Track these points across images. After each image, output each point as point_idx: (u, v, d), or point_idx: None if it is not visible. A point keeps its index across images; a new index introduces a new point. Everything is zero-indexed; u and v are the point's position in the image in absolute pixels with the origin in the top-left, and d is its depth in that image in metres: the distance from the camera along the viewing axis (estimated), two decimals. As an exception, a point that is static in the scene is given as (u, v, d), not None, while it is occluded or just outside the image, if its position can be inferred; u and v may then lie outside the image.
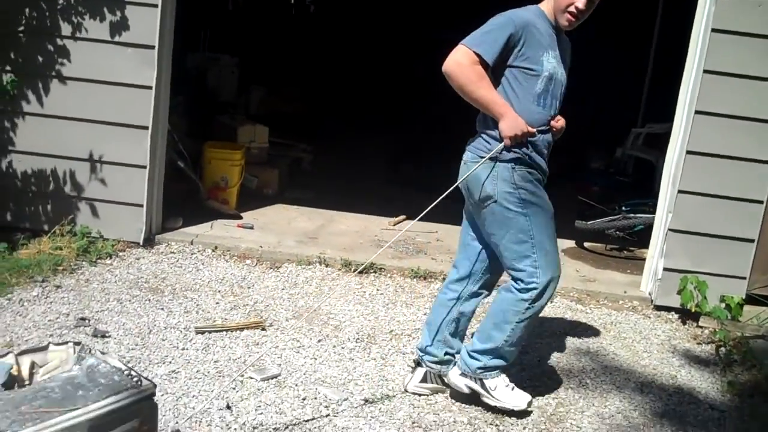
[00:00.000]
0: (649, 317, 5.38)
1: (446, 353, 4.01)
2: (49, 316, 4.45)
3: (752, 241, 5.37)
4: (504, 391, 3.88)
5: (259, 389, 3.87)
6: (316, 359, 4.26)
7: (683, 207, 5.37)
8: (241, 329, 4.49)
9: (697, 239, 5.39)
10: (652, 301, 5.51)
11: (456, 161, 3.89)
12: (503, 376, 3.91)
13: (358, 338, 4.58)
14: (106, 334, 4.29)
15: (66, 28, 5.37)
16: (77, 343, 3.32)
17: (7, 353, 3.23)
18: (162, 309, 4.69)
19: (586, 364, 4.56)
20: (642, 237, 6.36)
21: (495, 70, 3.60)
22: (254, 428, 3.53)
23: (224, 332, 4.44)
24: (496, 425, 3.80)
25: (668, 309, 5.43)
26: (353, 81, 11.57)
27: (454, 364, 3.99)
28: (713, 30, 5.19)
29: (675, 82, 5.69)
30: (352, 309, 4.99)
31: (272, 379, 3.99)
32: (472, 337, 3.99)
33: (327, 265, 5.59)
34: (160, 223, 5.77)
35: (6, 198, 5.60)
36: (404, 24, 12.04)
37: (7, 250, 5.22)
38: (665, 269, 5.42)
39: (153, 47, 5.35)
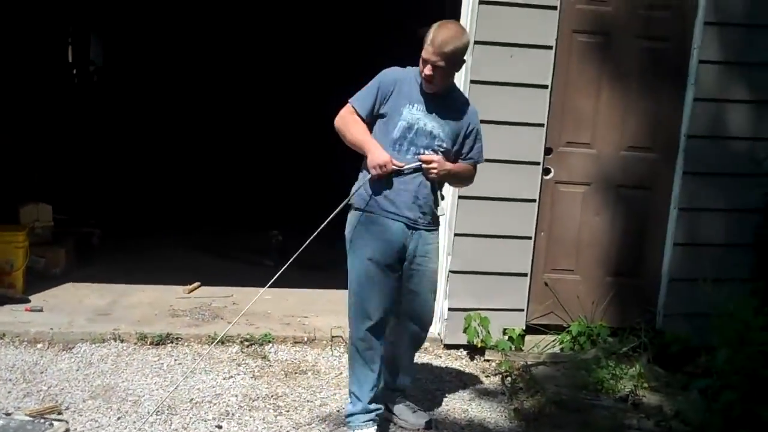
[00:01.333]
0: (440, 357, 5.66)
1: None
2: None
3: (526, 275, 5.78)
4: None
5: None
6: (116, 437, 4.23)
7: (461, 249, 5.72)
8: (35, 416, 4.39)
9: (477, 278, 5.74)
10: (441, 341, 5.80)
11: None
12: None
13: (158, 411, 4.57)
14: None
15: None
16: None
17: None
18: (-54, 406, 4.52)
19: (383, 409, 4.76)
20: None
21: (374, 120, 4.20)
22: None
23: (17, 421, 4.33)
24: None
25: (457, 347, 5.73)
26: (145, 149, 11.50)
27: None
28: (472, 81, 5.58)
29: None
30: (151, 382, 4.97)
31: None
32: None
33: (122, 341, 5.52)
34: (-60, 316, 5.55)
35: None
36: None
37: None
38: (450, 309, 5.74)
39: None
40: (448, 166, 4.19)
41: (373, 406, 4.28)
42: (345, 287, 4.33)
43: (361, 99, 4.21)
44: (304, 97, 11.88)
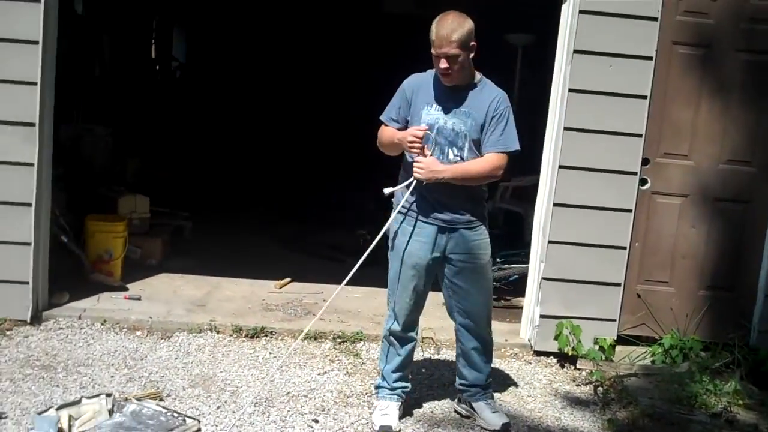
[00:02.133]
0: (530, 363, 5.67)
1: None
2: (-59, 400, 4.40)
3: (619, 285, 5.75)
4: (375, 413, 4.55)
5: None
6: (216, 426, 4.32)
7: (554, 256, 5.72)
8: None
9: (570, 286, 5.73)
10: (531, 347, 5.81)
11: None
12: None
13: (256, 402, 4.68)
14: (3, 415, 4.25)
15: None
16: (108, 395, 3.51)
17: (48, 409, 3.38)
18: (57, 386, 4.67)
19: (477, 412, 4.79)
20: (517, 286, 6.69)
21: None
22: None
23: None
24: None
25: (547, 354, 5.73)
26: (226, 145, 11.71)
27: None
28: (570, 90, 5.60)
29: (536, 137, 6.11)
30: (247, 374, 5.08)
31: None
32: None
33: (218, 332, 5.66)
34: (46, 300, 5.73)
35: None
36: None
37: None
38: (542, 316, 5.74)
39: (34, 124, 5.38)
40: (440, 168, 4.20)
41: (398, 384, 4.60)
42: (432, 289, 4.48)
43: (387, 111, 4.44)
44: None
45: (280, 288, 6.69)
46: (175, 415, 3.52)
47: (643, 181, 5.75)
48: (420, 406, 4.82)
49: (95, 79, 9.90)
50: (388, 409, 4.52)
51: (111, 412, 3.66)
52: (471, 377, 4.65)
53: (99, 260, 6.42)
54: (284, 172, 11.15)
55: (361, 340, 5.71)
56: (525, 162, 7.70)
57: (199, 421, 3.46)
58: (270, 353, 5.42)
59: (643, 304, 5.84)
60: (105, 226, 6.55)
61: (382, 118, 4.43)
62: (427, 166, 4.19)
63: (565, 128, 5.63)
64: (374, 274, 5.81)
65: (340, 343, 5.63)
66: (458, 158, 4.26)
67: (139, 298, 6.14)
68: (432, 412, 4.77)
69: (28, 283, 5.51)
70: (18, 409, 4.36)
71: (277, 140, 12.19)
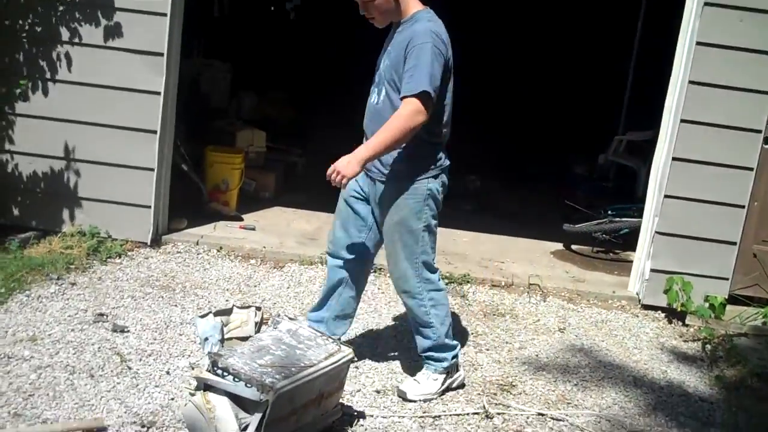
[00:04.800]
0: (637, 316, 5.63)
1: None
2: (68, 312, 4.63)
3: (734, 243, 5.65)
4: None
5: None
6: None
7: (669, 211, 5.64)
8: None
9: (683, 242, 5.66)
10: (639, 300, 5.77)
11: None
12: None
13: (363, 335, 4.80)
14: (125, 329, 4.47)
15: (80, 35, 5.54)
16: (258, 308, 3.67)
17: (208, 313, 3.56)
18: (175, 306, 4.88)
19: (582, 360, 4.80)
20: (627, 240, 6.63)
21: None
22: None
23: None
24: (503, 414, 4.03)
25: (655, 308, 5.69)
26: (339, 84, 11.77)
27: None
28: (698, 43, 5.47)
29: (655, 91, 5.99)
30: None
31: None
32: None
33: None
34: (166, 224, 5.95)
35: (14, 198, 5.75)
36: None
37: (19, 248, 5.37)
38: (652, 270, 5.69)
39: (162, 54, 5.54)
40: (346, 162, 3.83)
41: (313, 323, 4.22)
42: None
43: None
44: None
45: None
46: (330, 340, 3.64)
47: (767, 140, 5.60)
48: (525, 349, 4.86)
49: (214, 20, 10.09)
50: None
51: (257, 325, 3.82)
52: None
53: (216, 190, 6.61)
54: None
55: (468, 282, 5.76)
56: (642, 116, 7.62)
57: (353, 349, 3.60)
58: (378, 288, 5.53)
59: (758, 265, 5.72)
60: (223, 157, 6.74)
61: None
62: (333, 169, 3.85)
63: (690, 82, 5.51)
64: (484, 220, 5.87)
65: (447, 284, 5.68)
66: (377, 104, 3.98)
67: (253, 229, 6.32)
68: (536, 356, 4.80)
69: (150, 207, 5.73)
70: (139, 324, 4.58)
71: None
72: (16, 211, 5.76)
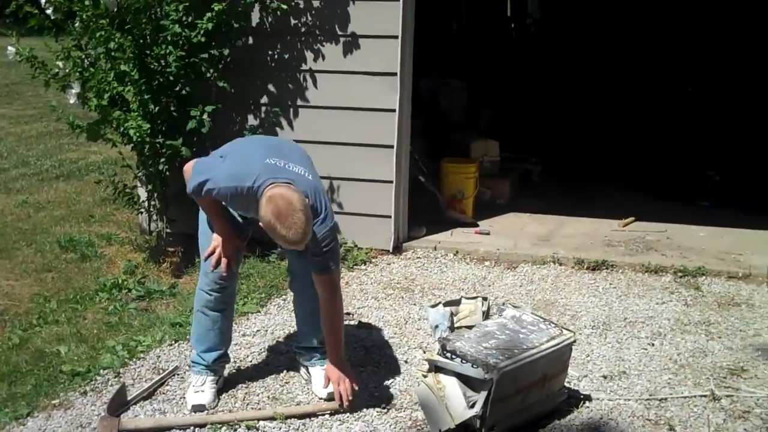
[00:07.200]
0: None
1: None
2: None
3: None
4: None
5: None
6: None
7: None
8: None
9: None
10: None
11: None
12: None
13: (593, 326, 4.96)
14: (369, 326, 4.92)
15: (320, 63, 6.13)
16: (485, 298, 4.11)
17: (437, 304, 4.04)
18: (414, 304, 5.28)
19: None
20: None
21: None
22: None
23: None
24: (731, 396, 4.06)
25: None
26: (576, 98, 11.83)
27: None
28: None
29: None
30: (587, 301, 5.36)
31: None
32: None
33: (560, 264, 5.98)
34: (406, 232, 6.38)
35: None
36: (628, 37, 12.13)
37: (277, 259, 5.97)
38: None
39: (395, 74, 5.98)
40: (342, 375, 3.93)
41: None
42: None
43: None
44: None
45: (624, 227, 6.83)
46: (554, 325, 3.92)
47: None
48: (760, 336, 4.81)
49: (453, 36, 10.53)
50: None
51: (485, 314, 4.12)
52: None
53: (452, 199, 6.98)
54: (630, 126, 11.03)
55: (702, 274, 5.74)
56: None
57: (574, 333, 3.85)
58: (610, 284, 5.65)
59: None
60: (458, 168, 7.11)
61: None
62: (343, 385, 3.91)
63: None
64: (724, 215, 5.79)
65: (680, 277, 5.72)
66: None
67: (488, 233, 6.63)
68: None
69: (390, 216, 6.18)
70: (381, 321, 5.03)
71: (625, 98, 12.04)
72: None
